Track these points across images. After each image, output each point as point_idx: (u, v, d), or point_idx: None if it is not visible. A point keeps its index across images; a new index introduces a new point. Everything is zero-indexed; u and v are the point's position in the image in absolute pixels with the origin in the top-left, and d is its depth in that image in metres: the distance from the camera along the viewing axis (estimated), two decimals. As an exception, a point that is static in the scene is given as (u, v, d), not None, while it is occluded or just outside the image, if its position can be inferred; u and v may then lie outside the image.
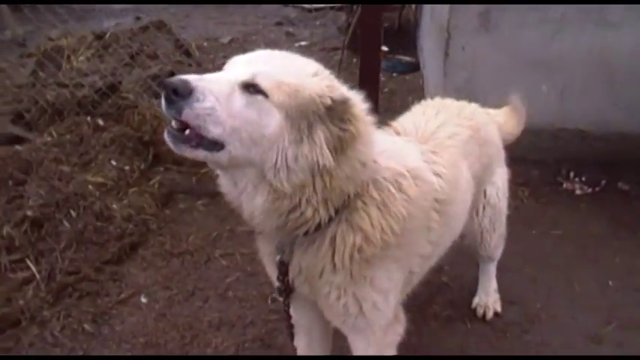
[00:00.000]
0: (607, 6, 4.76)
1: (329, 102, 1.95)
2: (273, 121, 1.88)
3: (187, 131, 1.83)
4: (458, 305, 3.77)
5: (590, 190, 5.12)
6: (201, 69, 6.49)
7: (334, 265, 2.16)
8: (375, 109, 5.28)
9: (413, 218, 2.26)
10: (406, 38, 8.78)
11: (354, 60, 7.61)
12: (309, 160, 1.92)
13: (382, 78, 7.51)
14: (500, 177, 3.25)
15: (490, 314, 3.66)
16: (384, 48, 8.36)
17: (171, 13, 10.59)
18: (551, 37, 4.92)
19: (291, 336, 2.71)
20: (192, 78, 1.81)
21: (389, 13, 9.76)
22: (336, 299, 2.26)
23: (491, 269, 3.70)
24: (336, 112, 1.95)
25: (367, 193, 2.14)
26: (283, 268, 2.26)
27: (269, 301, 3.73)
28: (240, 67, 1.96)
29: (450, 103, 3.10)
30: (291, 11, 11.47)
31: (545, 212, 4.75)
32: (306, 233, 2.10)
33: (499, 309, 3.69)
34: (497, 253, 3.56)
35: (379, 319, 2.39)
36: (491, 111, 3.42)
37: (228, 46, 9.02)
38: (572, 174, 5.22)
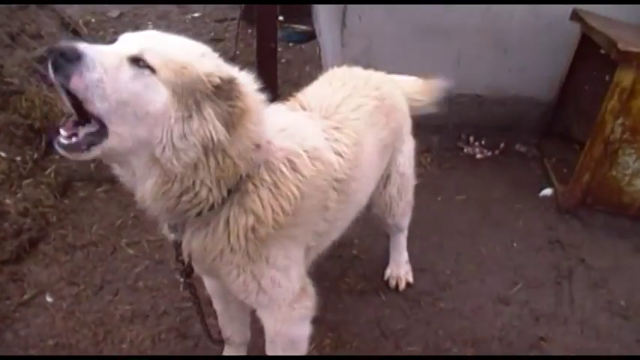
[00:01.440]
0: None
1: (217, 81, 1.92)
2: (159, 97, 1.84)
3: (74, 139, 1.81)
4: (370, 278, 3.79)
5: (490, 153, 5.29)
6: (92, 48, 6.18)
7: (231, 247, 2.16)
8: (274, 81, 5.23)
9: (308, 198, 2.28)
10: (301, 6, 8.68)
11: (250, 31, 7.47)
12: (201, 136, 1.89)
13: (279, 48, 7.39)
14: (408, 145, 3.29)
15: (402, 285, 3.72)
16: (279, 17, 8.24)
17: (52, -14, 10.04)
18: (446, 6, 4.97)
19: (203, 322, 2.68)
20: (80, 44, 1.75)
21: (282, -20, 9.60)
22: (235, 277, 2.28)
23: (402, 241, 3.76)
24: (223, 91, 1.93)
25: (258, 175, 2.13)
26: (178, 247, 2.24)
27: (181, 288, 3.60)
28: (130, 42, 1.91)
29: (357, 72, 3.07)
30: (181, -20, 11.12)
31: (448, 178, 4.85)
32: (199, 214, 2.07)
33: (411, 279, 3.76)
34: (405, 221, 3.61)
35: (282, 295, 2.40)
36: (399, 78, 3.41)
37: (117, 20, 8.58)
38: (471, 138, 5.37)
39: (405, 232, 3.74)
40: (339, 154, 2.50)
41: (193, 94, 1.89)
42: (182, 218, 2.10)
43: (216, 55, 2.06)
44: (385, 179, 3.22)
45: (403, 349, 3.33)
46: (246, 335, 3.09)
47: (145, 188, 1.96)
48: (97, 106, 1.75)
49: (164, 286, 3.67)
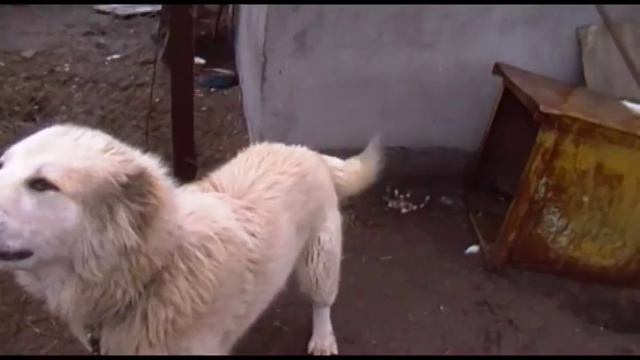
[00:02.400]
0: (421, 27, 4.86)
1: (125, 179, 1.80)
2: (71, 214, 1.70)
3: None
4: (294, 350, 3.60)
5: (415, 207, 5.19)
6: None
7: (149, 342, 2.02)
8: (191, 133, 5.03)
9: (224, 283, 2.16)
10: (224, 48, 8.52)
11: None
12: (116, 245, 1.77)
13: (200, 94, 7.16)
14: (334, 221, 3.16)
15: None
16: (201, 60, 8.02)
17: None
18: (369, 58, 4.91)
19: None
20: None
21: (206, 19, 9.41)
22: None
23: (325, 312, 3.59)
24: (133, 189, 1.82)
25: (173, 263, 2.00)
26: (95, 346, 2.06)
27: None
28: (21, 160, 1.73)
29: (277, 148, 2.95)
30: (102, 19, 10.74)
31: (373, 236, 4.71)
32: (117, 312, 1.94)
33: (336, 351, 3.58)
34: (332, 298, 3.45)
35: None
36: (336, 162, 3.41)
37: (31, 61, 8.08)
38: (396, 192, 5.26)
39: (329, 305, 3.59)
40: (252, 234, 2.36)
41: (104, 200, 1.76)
42: (99, 319, 1.95)
43: (117, 143, 1.91)
44: (307, 257, 3.09)
45: None
46: None
47: (63, 298, 1.82)
48: (11, 245, 1.63)
49: (73, 370, 3.34)
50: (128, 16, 10.86)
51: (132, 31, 10.09)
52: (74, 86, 7.20)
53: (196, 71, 7.75)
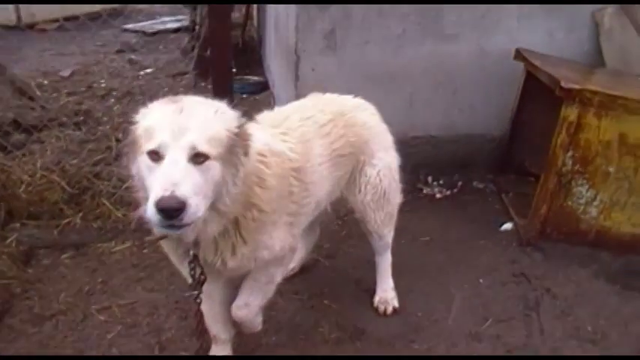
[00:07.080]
0: (442, 20, 5.10)
1: (236, 130, 2.37)
2: (217, 171, 2.28)
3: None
4: (344, 326, 3.77)
5: (448, 192, 5.42)
6: (46, 111, 6.12)
7: (243, 239, 2.62)
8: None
9: (279, 187, 2.72)
10: (252, 56, 8.79)
11: (203, 84, 7.56)
12: (242, 177, 2.41)
13: (233, 101, 7.42)
14: (383, 160, 3.50)
15: (390, 310, 3.85)
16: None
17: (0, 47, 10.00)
18: (395, 52, 5.15)
19: (201, 335, 3.03)
20: (179, 195, 2.08)
21: (232, 31, 9.67)
22: (241, 264, 2.73)
23: (386, 267, 3.94)
24: (241, 134, 2.39)
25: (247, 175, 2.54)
26: (197, 260, 2.63)
27: (156, 351, 3.54)
28: (175, 144, 2.20)
29: (325, 94, 3.52)
30: (131, 37, 11.14)
31: (410, 220, 4.84)
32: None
33: (396, 304, 3.88)
34: (386, 232, 3.75)
35: (271, 261, 2.87)
36: None
37: (69, 79, 8.51)
38: (430, 179, 5.48)
39: (389, 257, 3.93)
40: (289, 149, 2.88)
41: (232, 151, 2.33)
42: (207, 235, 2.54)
43: (218, 101, 2.50)
44: (356, 188, 3.49)
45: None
46: (230, 332, 3.29)
47: (209, 231, 2.47)
48: (193, 220, 2.17)
49: (138, 350, 3.57)
50: (155, 33, 11.20)
51: (161, 46, 10.45)
52: (112, 99, 7.56)
53: (227, 79, 8.05)
